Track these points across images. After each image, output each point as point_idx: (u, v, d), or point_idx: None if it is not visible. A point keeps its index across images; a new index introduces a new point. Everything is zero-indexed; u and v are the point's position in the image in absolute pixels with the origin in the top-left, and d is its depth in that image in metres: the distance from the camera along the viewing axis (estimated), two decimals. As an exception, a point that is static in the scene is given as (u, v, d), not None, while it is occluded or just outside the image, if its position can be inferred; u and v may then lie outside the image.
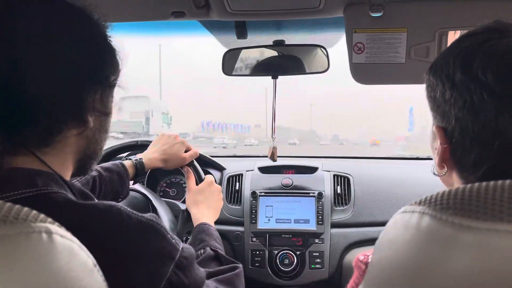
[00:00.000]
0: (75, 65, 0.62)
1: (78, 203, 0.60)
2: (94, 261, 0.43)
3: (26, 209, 0.39)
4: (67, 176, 0.67)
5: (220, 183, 1.71)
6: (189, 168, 1.29)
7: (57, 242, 0.39)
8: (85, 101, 0.64)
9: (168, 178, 1.82)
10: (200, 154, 1.73)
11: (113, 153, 1.49)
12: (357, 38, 1.13)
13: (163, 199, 1.37)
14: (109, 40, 0.68)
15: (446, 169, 0.61)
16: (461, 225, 0.38)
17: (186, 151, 1.29)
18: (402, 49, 1.12)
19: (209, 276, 0.91)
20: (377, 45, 1.13)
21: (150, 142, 1.33)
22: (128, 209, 0.64)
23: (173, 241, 0.68)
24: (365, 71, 1.16)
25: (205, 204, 1.21)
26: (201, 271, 0.79)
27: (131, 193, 1.26)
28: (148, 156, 1.24)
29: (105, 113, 0.70)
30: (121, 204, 0.65)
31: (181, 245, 0.70)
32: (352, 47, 1.14)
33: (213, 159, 1.78)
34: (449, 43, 1.10)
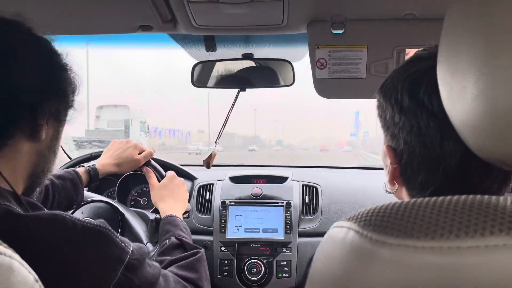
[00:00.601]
0: (31, 77, 0.66)
1: (19, 215, 0.61)
2: (36, 276, 0.45)
3: None
4: (17, 190, 0.68)
5: (191, 193, 1.73)
6: (148, 168, 1.32)
7: None
8: (40, 107, 0.68)
9: (139, 187, 1.82)
10: (169, 163, 1.75)
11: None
12: (320, 54, 1.18)
13: (134, 208, 1.38)
14: (60, 58, 0.73)
15: (397, 186, 0.64)
16: (377, 240, 0.41)
17: (140, 153, 1.32)
18: (363, 65, 1.17)
19: (171, 263, 0.95)
20: (339, 61, 1.17)
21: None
22: (74, 216, 0.66)
23: (122, 244, 0.70)
24: (327, 86, 1.21)
25: (171, 198, 1.24)
26: (155, 267, 0.80)
27: (99, 204, 1.27)
28: (101, 162, 1.27)
29: (59, 122, 0.73)
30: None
31: (131, 247, 0.72)
32: (315, 63, 1.18)
33: (184, 168, 1.79)
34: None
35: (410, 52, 1.18)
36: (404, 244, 0.39)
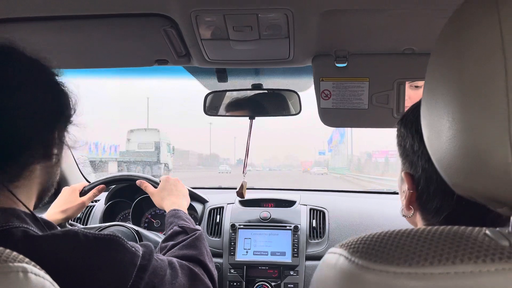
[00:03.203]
0: (38, 108, 0.72)
1: (36, 236, 0.68)
2: None
3: (7, 250, 0.47)
4: (31, 206, 0.75)
5: (202, 216, 1.79)
6: (141, 181, 1.41)
7: (31, 280, 0.46)
8: (52, 138, 0.75)
9: (152, 210, 1.89)
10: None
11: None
12: (324, 86, 1.25)
13: (147, 230, 1.45)
14: (64, 86, 0.79)
15: (412, 211, 0.69)
16: (362, 266, 0.46)
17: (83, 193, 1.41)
18: (365, 96, 1.23)
19: (173, 246, 1.04)
20: (342, 92, 1.24)
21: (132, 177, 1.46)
22: (86, 230, 0.73)
23: (133, 249, 0.77)
24: (332, 115, 1.27)
25: (171, 195, 1.32)
26: (162, 260, 0.87)
27: (115, 228, 1.36)
28: (48, 213, 1.34)
29: (66, 145, 0.80)
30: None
31: (141, 250, 0.79)
32: (320, 94, 1.25)
33: (195, 191, 1.86)
34: (406, 92, 1.22)
35: (409, 84, 1.24)
36: (386, 270, 0.45)
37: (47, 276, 0.50)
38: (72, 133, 0.81)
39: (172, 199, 1.30)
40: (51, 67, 0.77)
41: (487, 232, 0.46)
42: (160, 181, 1.40)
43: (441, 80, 0.46)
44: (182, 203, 1.30)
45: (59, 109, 0.76)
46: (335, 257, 0.51)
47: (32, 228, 0.69)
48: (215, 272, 1.06)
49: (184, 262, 0.96)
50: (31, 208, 0.75)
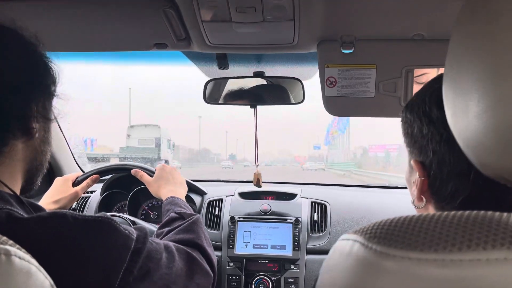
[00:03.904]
0: (13, 78, 0.67)
1: (21, 218, 0.63)
2: (51, 281, 0.47)
3: None
4: (17, 189, 0.71)
5: (201, 208, 1.74)
6: (136, 170, 1.37)
7: (15, 264, 0.42)
8: (29, 109, 0.69)
9: (150, 201, 1.84)
10: None
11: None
12: (329, 73, 1.20)
13: (144, 222, 1.41)
14: (44, 56, 0.74)
15: (424, 201, 0.65)
16: (382, 252, 0.42)
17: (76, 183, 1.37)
18: (372, 84, 1.19)
19: (169, 232, 1.00)
20: (348, 80, 1.20)
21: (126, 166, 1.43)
22: (75, 212, 0.68)
23: (126, 232, 0.72)
24: (336, 104, 1.23)
25: (168, 184, 1.29)
26: (157, 243, 0.83)
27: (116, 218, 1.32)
28: (42, 203, 1.29)
29: (48, 119, 0.74)
30: None
31: (135, 234, 0.74)
32: (325, 81, 1.21)
33: (194, 183, 1.81)
34: (414, 80, 1.17)
35: (418, 72, 1.20)
36: (408, 256, 0.40)
37: (33, 260, 0.45)
38: (56, 107, 0.76)
39: (169, 187, 1.26)
40: (31, 38, 0.72)
41: None
42: (156, 170, 1.36)
43: (467, 54, 0.43)
44: (179, 191, 1.26)
45: (37, 80, 0.71)
46: (349, 244, 0.47)
47: (17, 210, 0.64)
48: (214, 257, 1.02)
49: (181, 246, 0.92)
50: (18, 191, 0.70)
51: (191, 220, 1.04)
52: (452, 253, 0.39)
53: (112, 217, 0.71)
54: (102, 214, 0.71)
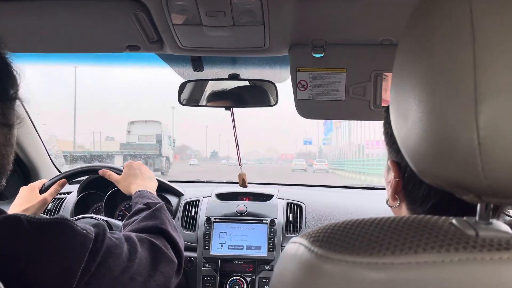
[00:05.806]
0: None
1: None
2: (1, 285, 0.47)
3: None
4: None
5: (177, 209, 1.75)
6: (103, 170, 1.37)
7: None
8: None
9: (127, 202, 1.84)
10: (157, 179, 1.77)
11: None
12: (301, 76, 1.22)
13: (117, 221, 1.41)
14: (3, 57, 0.70)
15: (399, 201, 0.66)
16: (322, 255, 0.43)
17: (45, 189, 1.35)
18: (342, 88, 1.21)
19: (134, 221, 1.01)
20: (319, 83, 1.22)
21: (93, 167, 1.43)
22: (31, 215, 0.67)
23: (84, 231, 0.71)
24: (308, 107, 1.24)
25: (137, 179, 1.28)
26: (117, 237, 0.82)
27: (87, 220, 1.31)
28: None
29: (8, 125, 0.71)
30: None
31: (94, 233, 0.73)
32: (296, 84, 1.23)
33: (171, 184, 1.82)
34: (383, 84, 1.20)
35: (386, 76, 1.22)
36: (345, 259, 0.42)
37: None
38: (16, 110, 0.72)
39: (138, 182, 1.26)
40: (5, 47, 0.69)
41: (453, 221, 0.44)
42: (123, 167, 1.36)
43: (409, 62, 0.44)
44: (149, 185, 1.26)
45: None
46: (295, 247, 0.48)
47: None
48: (179, 240, 1.02)
49: (143, 235, 0.91)
50: None
51: (154, 208, 1.05)
52: (385, 257, 0.41)
53: (68, 218, 0.70)
54: (59, 215, 0.70)
